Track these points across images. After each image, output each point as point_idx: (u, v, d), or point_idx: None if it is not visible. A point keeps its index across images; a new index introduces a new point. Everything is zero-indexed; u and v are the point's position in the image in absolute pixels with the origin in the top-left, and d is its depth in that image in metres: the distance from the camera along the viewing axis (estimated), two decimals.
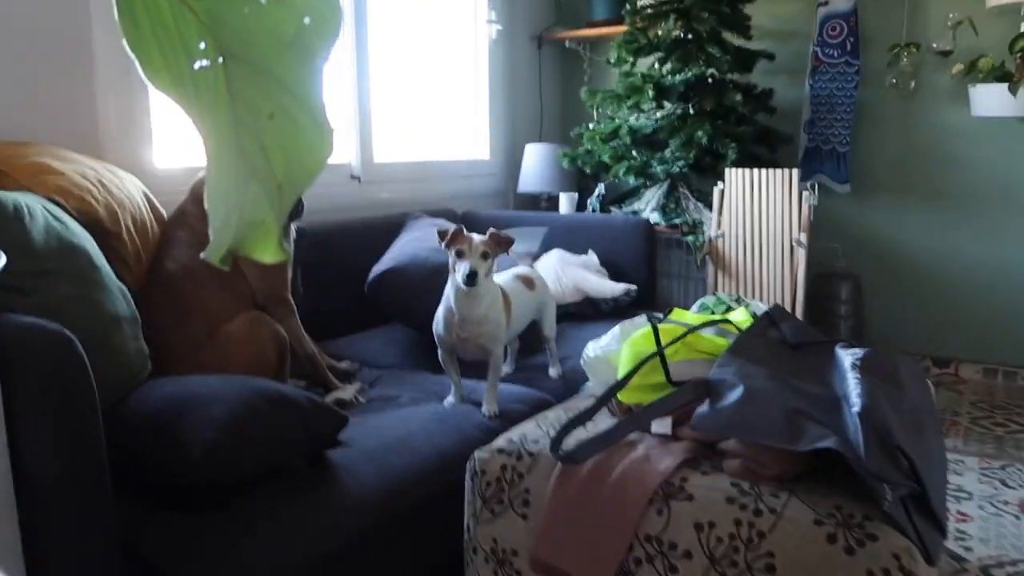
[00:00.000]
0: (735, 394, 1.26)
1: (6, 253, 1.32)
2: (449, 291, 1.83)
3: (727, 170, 2.90)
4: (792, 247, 2.74)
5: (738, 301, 1.97)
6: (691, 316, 1.61)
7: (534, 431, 1.45)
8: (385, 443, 1.57)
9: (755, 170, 2.84)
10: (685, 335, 1.46)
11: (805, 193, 2.72)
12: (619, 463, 1.29)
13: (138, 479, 1.37)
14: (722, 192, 2.90)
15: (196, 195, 1.92)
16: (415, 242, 2.50)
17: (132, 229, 1.77)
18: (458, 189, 3.35)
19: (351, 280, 2.43)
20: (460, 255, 1.74)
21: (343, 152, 2.84)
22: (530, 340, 2.29)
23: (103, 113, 2.02)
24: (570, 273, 2.72)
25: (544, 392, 1.98)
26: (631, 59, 3.20)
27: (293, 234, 2.04)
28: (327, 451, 1.50)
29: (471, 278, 1.71)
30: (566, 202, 3.36)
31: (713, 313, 1.63)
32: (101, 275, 1.46)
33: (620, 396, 1.46)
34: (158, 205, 1.94)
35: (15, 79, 1.83)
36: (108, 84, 2.01)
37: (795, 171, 2.76)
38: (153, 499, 1.36)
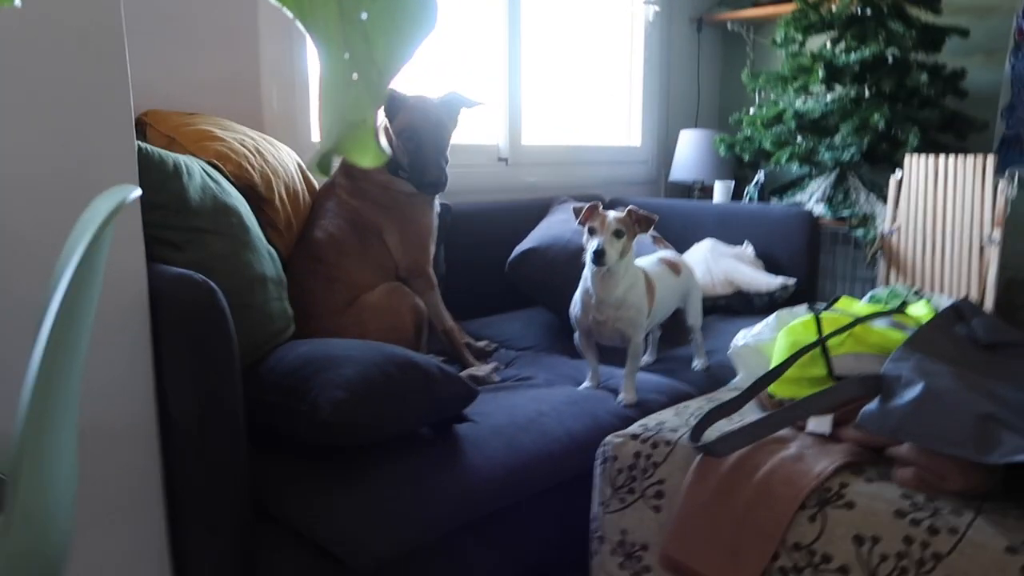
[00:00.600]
0: (912, 392, 1.09)
1: (165, 208, 1.37)
2: (586, 272, 1.74)
3: (907, 157, 2.61)
4: (981, 246, 2.43)
5: (917, 294, 1.75)
6: (860, 306, 1.43)
7: (673, 419, 1.33)
8: (515, 421, 1.51)
9: (940, 156, 2.54)
10: (853, 324, 1.29)
11: (1001, 184, 2.40)
12: (767, 460, 1.15)
13: (272, 435, 1.39)
14: (900, 181, 2.62)
15: (345, 168, 1.95)
16: (560, 224, 2.43)
17: (285, 197, 1.82)
18: (607, 175, 3.25)
19: (494, 261, 2.40)
20: (592, 232, 1.66)
21: (491, 133, 2.82)
22: (674, 331, 2.17)
23: (266, 89, 2.09)
24: (722, 264, 2.56)
25: (686, 384, 1.86)
26: (800, 37, 2.96)
27: (437, 208, 2.03)
28: (455, 424, 1.46)
29: (599, 256, 1.62)
30: (721, 191, 3.17)
31: (887, 305, 1.44)
32: (251, 236, 1.50)
33: (772, 388, 1.32)
34: (311, 177, 1.99)
35: (187, 54, 1.92)
36: (272, 61, 2.08)
37: (990, 157, 2.44)
38: (285, 456, 1.38)
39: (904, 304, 1.43)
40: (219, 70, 1.99)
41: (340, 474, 1.31)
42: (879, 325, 1.32)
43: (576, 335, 1.82)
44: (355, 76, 0.44)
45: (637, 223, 1.69)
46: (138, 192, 0.78)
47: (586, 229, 1.67)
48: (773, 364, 1.32)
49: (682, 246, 2.69)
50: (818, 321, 1.32)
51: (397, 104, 1.89)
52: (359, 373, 1.32)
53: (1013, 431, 1.01)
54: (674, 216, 2.86)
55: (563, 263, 2.24)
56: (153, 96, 1.83)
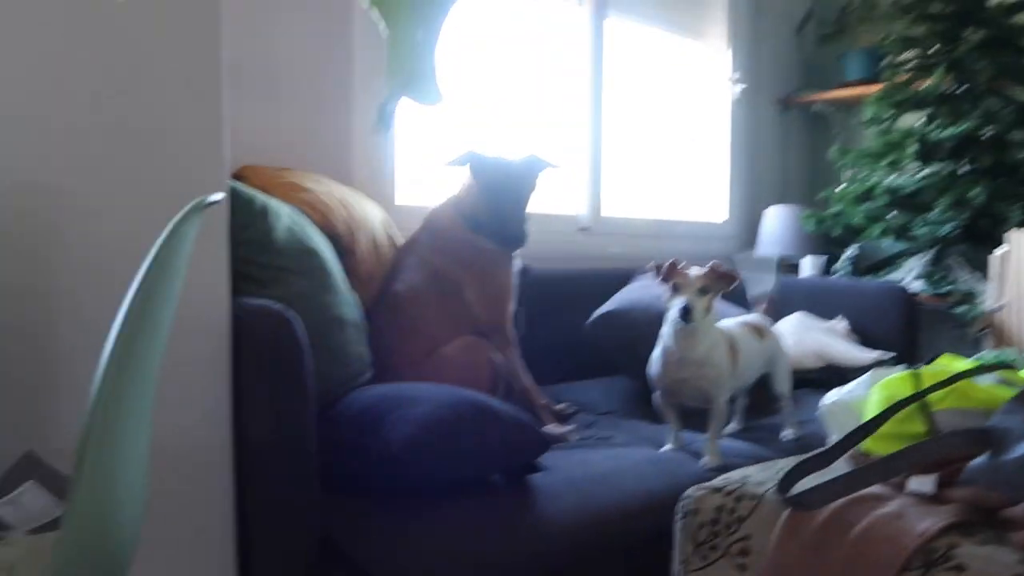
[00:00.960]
0: None
1: (250, 245, 1.42)
2: (666, 329, 1.70)
3: (1011, 232, 2.48)
4: None
5: None
6: (963, 364, 1.34)
7: (759, 474, 1.25)
8: (591, 474, 1.46)
9: None
10: (955, 379, 1.20)
11: None
12: (864, 516, 1.06)
13: (345, 476, 1.38)
14: (1003, 256, 2.48)
15: (428, 226, 1.99)
16: (640, 289, 2.40)
17: (368, 250, 1.86)
18: (690, 250, 3.19)
19: (573, 328, 2.37)
20: (676, 289, 1.63)
21: (572, 203, 2.84)
22: (762, 401, 2.08)
23: (357, 149, 2.18)
24: (812, 336, 2.46)
25: (775, 452, 1.75)
26: (890, 113, 2.91)
27: (518, 266, 2.04)
28: (528, 474, 1.42)
29: (686, 314, 1.59)
30: (811, 266, 3.08)
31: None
32: (332, 279, 1.54)
33: (867, 445, 1.22)
34: (394, 234, 2.04)
35: (283, 113, 2.03)
36: (363, 123, 2.18)
37: None
38: (356, 497, 1.36)
39: (1012, 365, 1.32)
40: (313, 130, 2.09)
41: (411, 516, 1.28)
42: (985, 382, 1.22)
43: (655, 395, 1.76)
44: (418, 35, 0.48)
45: (720, 280, 1.65)
46: (220, 196, 0.81)
47: (669, 286, 1.65)
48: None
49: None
50: (916, 376, 1.23)
51: (479, 164, 1.94)
52: (431, 412, 1.31)
53: None
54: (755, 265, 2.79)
55: (644, 326, 2.18)
56: (249, 152, 1.92)
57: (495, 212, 1.91)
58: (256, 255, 1.41)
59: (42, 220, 1.08)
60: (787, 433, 1.90)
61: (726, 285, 1.67)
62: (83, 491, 0.68)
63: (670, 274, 1.65)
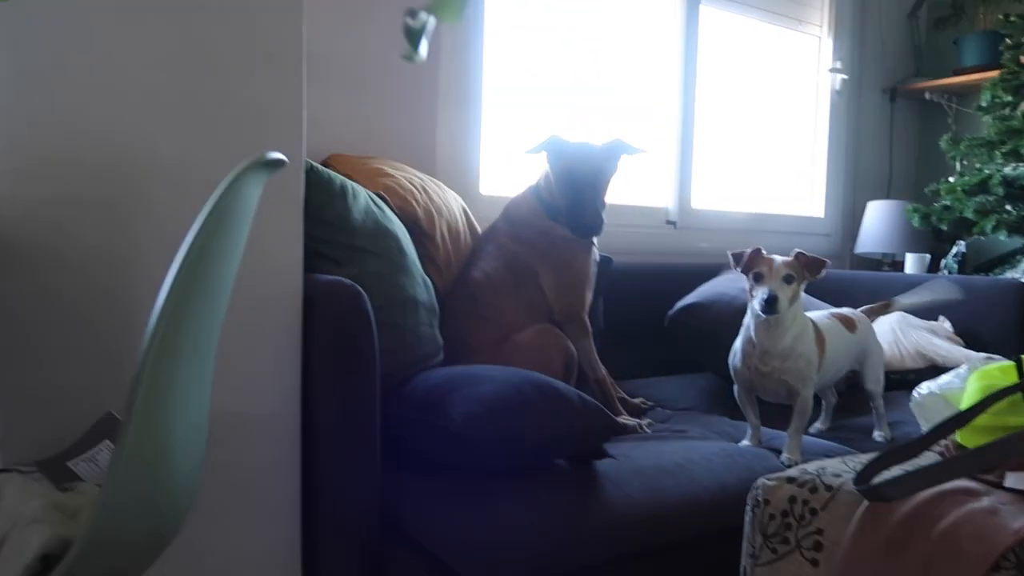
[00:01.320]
0: None
1: (329, 225, 1.46)
2: (748, 320, 1.63)
3: None
4: None
5: None
6: None
7: (837, 466, 1.18)
8: (661, 464, 1.41)
9: None
10: None
11: None
12: (951, 512, 0.98)
13: (410, 451, 1.39)
14: None
15: (507, 214, 1.99)
16: (725, 283, 2.32)
17: (446, 236, 1.88)
18: (785, 245, 3.03)
19: (655, 322, 2.32)
20: (758, 279, 1.55)
21: (660, 195, 2.78)
22: (853, 400, 1.96)
23: (441, 140, 2.21)
24: (912, 336, 2.31)
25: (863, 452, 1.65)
26: (1008, 99, 2.70)
27: (596, 256, 2.01)
28: (595, 460, 1.39)
29: (770, 305, 1.50)
30: (914, 264, 2.90)
31: None
32: (407, 261, 1.55)
33: (960, 437, 1.13)
34: (475, 222, 2.04)
35: (372, 105, 2.08)
36: (448, 115, 2.21)
37: None
38: (420, 474, 1.37)
39: None
40: (399, 121, 2.13)
41: (474, 495, 1.27)
42: None
43: (736, 388, 1.69)
44: None
45: (806, 268, 1.57)
46: (279, 155, 0.82)
47: (751, 275, 1.57)
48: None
49: None
50: (1020, 364, 1.13)
51: (559, 149, 1.91)
52: (495, 391, 1.30)
53: None
54: (860, 288, 2.64)
55: (727, 320, 2.10)
56: (338, 142, 1.98)
57: (571, 199, 1.87)
58: (333, 234, 1.44)
59: (127, 187, 1.13)
60: (879, 434, 1.78)
61: (813, 274, 1.58)
62: (131, 439, 0.70)
63: (752, 263, 1.57)
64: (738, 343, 1.67)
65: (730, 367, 1.69)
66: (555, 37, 2.53)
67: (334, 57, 2.00)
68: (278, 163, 0.83)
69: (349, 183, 1.52)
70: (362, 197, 1.53)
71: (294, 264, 1.26)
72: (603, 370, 1.94)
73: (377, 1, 2.06)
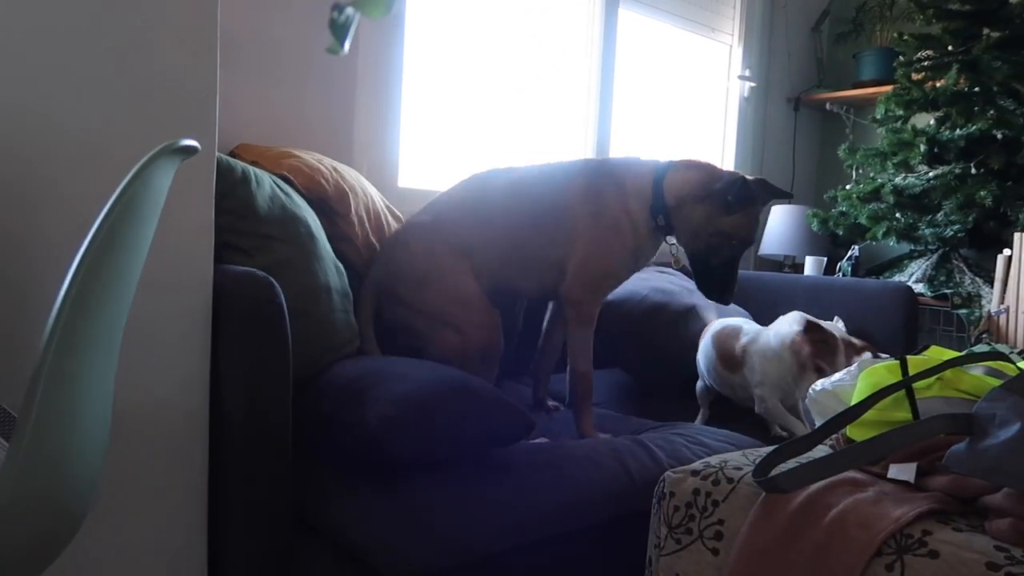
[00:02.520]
0: (1009, 431, 0.97)
1: (233, 214, 1.42)
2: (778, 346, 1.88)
3: (1017, 235, 2.45)
4: None
5: (1021, 354, 1.59)
6: (951, 354, 1.31)
7: (738, 459, 1.23)
8: (572, 455, 1.44)
9: None
10: (943, 367, 1.18)
11: None
12: (840, 501, 1.04)
13: (322, 444, 1.38)
14: (1009, 259, 2.45)
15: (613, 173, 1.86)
16: (638, 281, 2.38)
17: (364, 216, 1.82)
18: None
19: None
20: (819, 371, 1.75)
21: None
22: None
23: (359, 131, 2.17)
24: None
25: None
26: (901, 113, 2.88)
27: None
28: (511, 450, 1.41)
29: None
30: (812, 266, 3.05)
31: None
32: (318, 246, 1.53)
33: (850, 432, 1.20)
34: (395, 210, 2.02)
35: (284, 94, 2.02)
36: (366, 107, 2.18)
37: None
38: (328, 465, 1.36)
39: (1005, 356, 1.30)
40: (314, 111, 2.08)
41: (383, 482, 1.27)
42: (974, 371, 1.20)
43: (700, 384, 1.99)
44: None
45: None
46: (192, 142, 0.80)
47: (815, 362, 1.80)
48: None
49: (767, 319, 2.57)
50: (903, 363, 1.21)
51: (751, 198, 1.70)
52: (410, 391, 1.29)
53: None
54: (761, 289, 2.76)
55: (638, 318, 2.18)
56: (246, 132, 1.92)
57: (712, 262, 1.72)
58: (238, 223, 1.41)
59: (29, 170, 1.07)
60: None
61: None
62: (29, 436, 0.67)
63: (825, 352, 1.79)
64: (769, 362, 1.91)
65: (701, 364, 1.97)
66: (476, 34, 2.53)
67: (245, 42, 1.94)
68: (190, 150, 0.81)
69: (252, 169, 1.48)
70: (266, 183, 1.49)
71: (204, 255, 1.23)
72: (588, 364, 1.80)
73: None
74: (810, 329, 1.78)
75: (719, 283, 1.73)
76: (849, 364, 1.69)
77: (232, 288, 1.23)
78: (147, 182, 0.76)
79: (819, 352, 1.74)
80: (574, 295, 1.74)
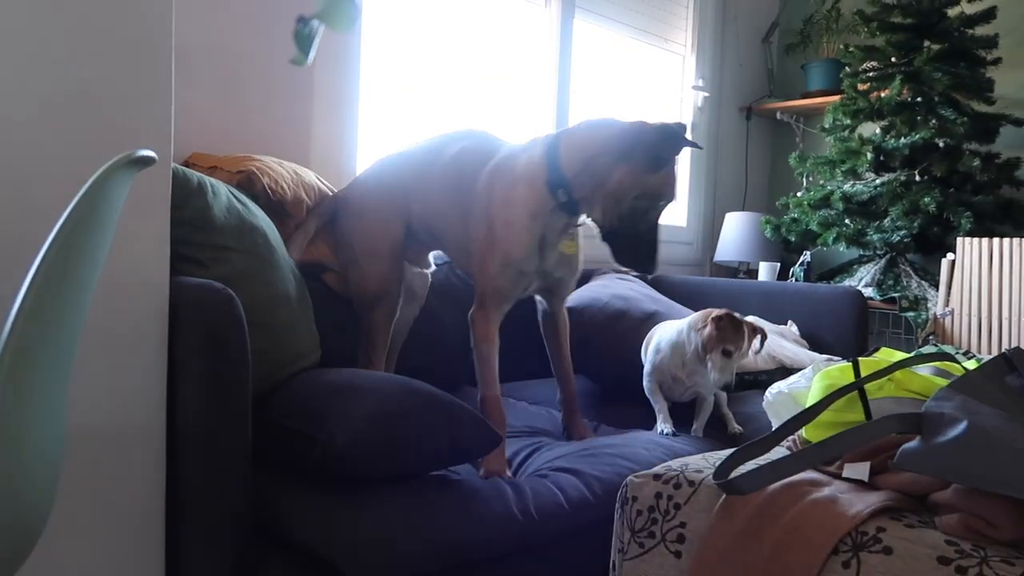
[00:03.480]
0: (956, 430, 1.00)
1: (189, 225, 1.40)
2: (686, 346, 1.83)
3: (960, 239, 2.54)
4: None
5: (966, 355, 1.65)
6: (902, 356, 1.35)
7: (698, 462, 1.25)
8: (537, 465, 1.45)
9: (995, 240, 2.46)
10: (893, 368, 1.21)
11: None
12: (798, 502, 1.07)
13: (283, 456, 1.36)
14: (952, 263, 2.53)
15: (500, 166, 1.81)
16: (598, 288, 2.41)
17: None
18: None
19: (529, 328, 2.36)
20: (726, 353, 1.74)
21: None
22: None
23: (316, 138, 2.16)
24: None
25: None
26: (848, 122, 2.96)
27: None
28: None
29: (726, 385, 1.79)
30: (766, 272, 3.12)
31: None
32: (276, 256, 1.51)
33: (806, 433, 1.24)
34: None
35: (239, 102, 2.01)
36: (323, 114, 2.16)
37: None
38: (290, 475, 1.34)
39: (951, 357, 1.34)
40: (270, 117, 2.06)
41: (348, 492, 1.26)
42: (923, 372, 1.24)
43: (648, 383, 1.91)
44: None
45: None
46: (149, 152, 0.79)
47: (720, 349, 1.76)
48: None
49: None
50: (856, 365, 1.24)
51: (678, 146, 1.50)
52: (378, 408, 1.29)
53: None
54: (717, 294, 2.81)
55: (599, 325, 2.20)
56: (202, 141, 1.89)
57: (637, 225, 1.53)
58: (195, 234, 1.38)
59: None
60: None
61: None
62: None
63: (722, 334, 1.75)
64: (666, 347, 1.87)
65: (649, 364, 1.90)
66: (434, 41, 2.54)
67: (199, 51, 1.92)
68: (147, 161, 0.79)
69: (208, 180, 1.46)
70: (223, 193, 1.48)
71: (160, 267, 1.20)
72: (489, 389, 1.63)
73: None
74: (714, 314, 1.80)
75: (646, 249, 1.53)
76: (750, 345, 1.76)
77: (189, 300, 1.21)
78: (103, 194, 0.74)
79: (722, 334, 1.74)
80: (472, 313, 1.63)
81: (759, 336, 1.81)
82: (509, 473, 1.49)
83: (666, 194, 1.51)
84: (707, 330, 1.76)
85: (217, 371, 1.20)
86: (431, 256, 1.99)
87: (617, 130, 1.49)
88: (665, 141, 1.45)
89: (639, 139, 1.46)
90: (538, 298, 1.83)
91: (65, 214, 0.70)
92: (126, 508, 1.18)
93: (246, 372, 1.21)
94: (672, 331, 1.89)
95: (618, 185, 1.47)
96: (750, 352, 1.82)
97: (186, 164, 1.74)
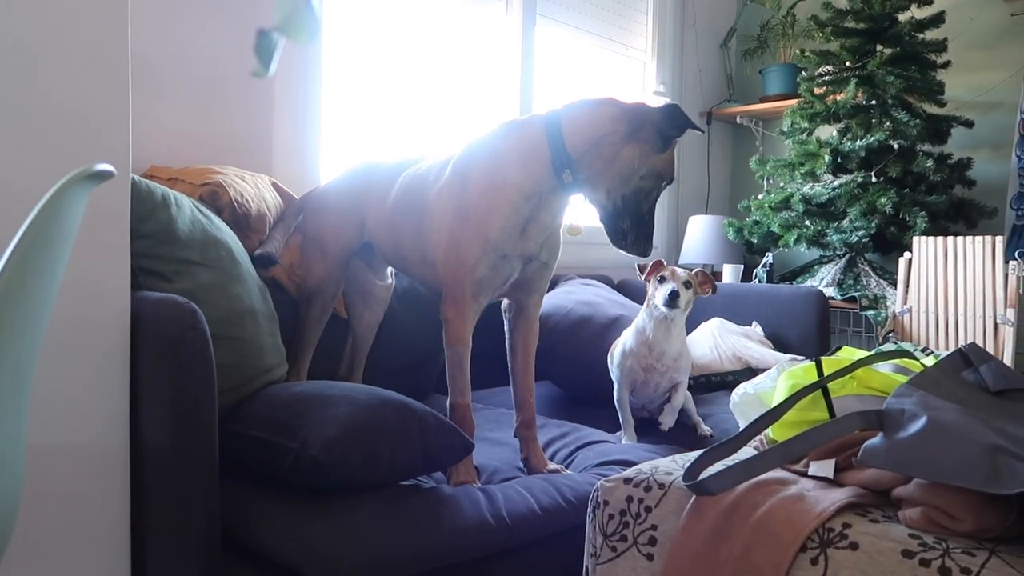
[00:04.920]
0: (917, 425, 1.03)
1: (152, 238, 1.38)
2: (644, 323, 1.82)
3: (916, 239, 2.60)
4: (996, 324, 2.37)
5: (924, 351, 1.69)
6: (864, 355, 1.38)
7: (668, 464, 1.27)
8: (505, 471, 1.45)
9: (949, 238, 2.52)
10: (855, 366, 1.24)
11: (1012, 263, 2.37)
12: (766, 501, 1.08)
13: (254, 468, 1.34)
14: (909, 262, 2.59)
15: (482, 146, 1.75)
16: (563, 294, 2.42)
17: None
18: (616, 258, 3.22)
19: (497, 334, 2.36)
20: (662, 280, 1.76)
21: None
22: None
23: (277, 149, 2.14)
24: (729, 341, 2.51)
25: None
26: (806, 125, 3.02)
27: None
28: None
29: (672, 299, 1.71)
30: (730, 274, 3.16)
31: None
32: (241, 270, 1.50)
33: (772, 432, 1.25)
34: None
35: (197, 114, 1.98)
36: (284, 123, 2.15)
37: (999, 239, 2.42)
38: (258, 485, 1.33)
39: (910, 354, 1.38)
40: (231, 132, 2.04)
41: (318, 501, 1.25)
42: (883, 369, 1.27)
43: (617, 390, 1.87)
44: None
45: (702, 284, 1.81)
46: (107, 167, 0.77)
47: (656, 278, 1.78)
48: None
49: (689, 326, 2.65)
50: (819, 364, 1.27)
51: (680, 127, 1.48)
52: (353, 415, 1.28)
53: None
54: None
55: (564, 331, 2.21)
56: (160, 154, 1.86)
57: (639, 208, 1.49)
58: (158, 248, 1.36)
59: None
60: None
61: (705, 291, 1.81)
62: None
63: (656, 269, 1.78)
64: (630, 344, 1.84)
65: (616, 368, 1.87)
66: (397, 45, 2.53)
67: (157, 63, 1.89)
68: (105, 175, 0.78)
69: (172, 193, 1.44)
70: (186, 206, 1.46)
71: (120, 282, 1.18)
72: (460, 397, 1.59)
73: (204, 5, 1.98)
74: (652, 269, 1.81)
75: (645, 230, 1.51)
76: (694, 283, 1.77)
77: (151, 315, 1.19)
78: (60, 210, 0.73)
79: (654, 270, 1.79)
80: (441, 309, 1.55)
81: (697, 273, 1.80)
82: (479, 482, 1.49)
83: (668, 174, 1.50)
84: (642, 278, 1.83)
85: (181, 386, 1.18)
86: (389, 269, 1.98)
87: (624, 110, 1.46)
88: (671, 120, 1.45)
89: (648, 118, 1.45)
90: (506, 304, 1.72)
91: (20, 232, 0.68)
92: (92, 527, 1.15)
93: (211, 387, 1.20)
94: (631, 326, 1.89)
95: (627, 164, 1.45)
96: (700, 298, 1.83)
97: (145, 177, 1.71)
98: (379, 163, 1.84)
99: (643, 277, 1.82)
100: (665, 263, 1.82)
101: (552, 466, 1.59)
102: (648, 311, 1.81)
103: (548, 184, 1.48)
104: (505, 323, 1.74)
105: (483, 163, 1.51)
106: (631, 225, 1.49)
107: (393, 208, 1.69)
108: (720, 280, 3.22)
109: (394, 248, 1.71)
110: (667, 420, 1.83)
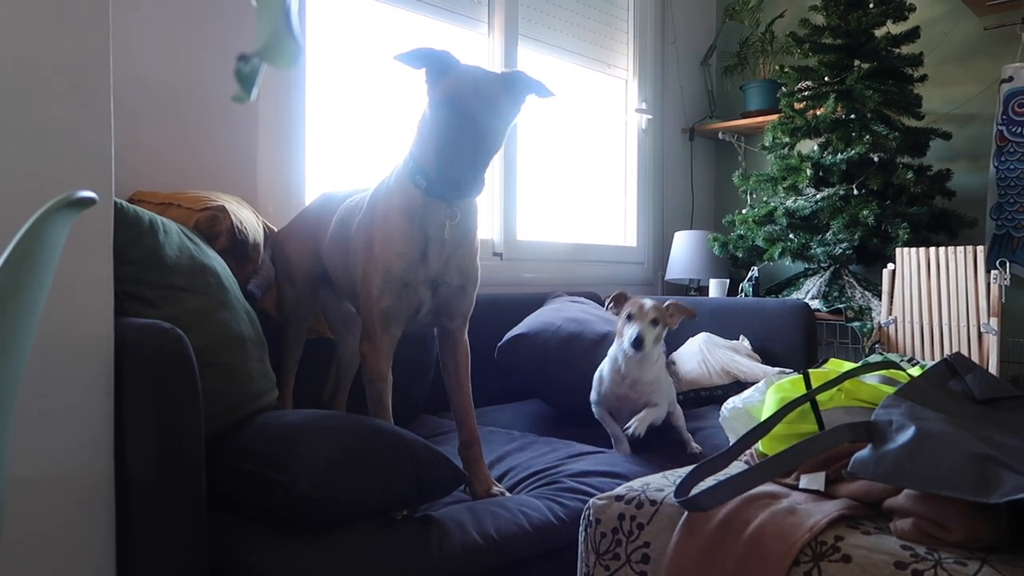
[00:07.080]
0: (905, 436, 1.03)
1: (139, 263, 1.37)
2: (617, 353, 1.81)
3: (899, 250, 2.62)
4: (980, 333, 2.39)
5: (910, 361, 1.70)
6: (850, 366, 1.39)
7: (659, 481, 1.26)
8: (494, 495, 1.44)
9: (932, 248, 2.55)
10: (842, 378, 1.24)
11: (994, 272, 2.39)
12: (757, 515, 1.08)
13: (242, 499, 1.33)
14: (893, 273, 2.61)
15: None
16: (551, 312, 2.42)
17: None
18: (603, 274, 3.27)
19: (487, 353, 2.36)
20: (630, 318, 1.74)
21: (486, 228, 2.85)
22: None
23: (262, 172, 2.14)
24: (717, 355, 2.51)
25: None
26: (786, 140, 3.05)
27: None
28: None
29: (638, 343, 1.69)
30: (716, 289, 3.17)
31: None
32: (229, 296, 1.49)
33: (762, 446, 1.25)
34: None
35: (181, 138, 1.98)
36: (268, 147, 2.15)
37: (980, 248, 2.45)
38: (253, 518, 1.31)
39: (896, 365, 1.38)
40: (215, 156, 2.04)
41: (307, 530, 1.24)
42: (870, 380, 1.27)
43: (597, 410, 1.88)
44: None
45: (671, 317, 1.78)
46: (90, 194, 0.77)
47: (624, 316, 1.76)
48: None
49: (676, 341, 2.66)
50: (806, 377, 1.27)
51: (443, 66, 1.48)
52: (344, 448, 1.27)
53: (1014, 472, 0.95)
54: None
55: (553, 349, 2.20)
56: (145, 179, 1.86)
57: (445, 137, 1.41)
58: (145, 273, 1.35)
59: None
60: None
61: (674, 323, 1.78)
62: None
63: (619, 303, 1.77)
64: (606, 372, 1.84)
65: (596, 392, 1.87)
66: (380, 69, 2.54)
67: (138, 88, 1.89)
68: (87, 202, 0.77)
69: (159, 219, 1.43)
70: (174, 232, 1.45)
71: (103, 309, 1.17)
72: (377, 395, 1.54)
73: (187, 31, 1.98)
74: (616, 303, 1.80)
75: (459, 164, 1.41)
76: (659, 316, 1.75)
77: (135, 341, 1.18)
78: (41, 238, 0.72)
79: (617, 306, 1.77)
80: (360, 346, 1.55)
81: (668, 307, 1.77)
82: (501, 487, 1.54)
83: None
84: (606, 311, 1.82)
85: (166, 414, 1.17)
86: None
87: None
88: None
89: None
90: (436, 331, 1.66)
91: (0, 262, 0.67)
92: (76, 560, 1.13)
93: (197, 414, 1.18)
94: (608, 355, 1.87)
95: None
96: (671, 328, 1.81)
97: (131, 202, 1.70)
98: (333, 193, 1.87)
99: (607, 310, 1.82)
100: (628, 296, 1.78)
101: (496, 488, 1.55)
102: (619, 344, 1.79)
103: (417, 197, 1.47)
104: (437, 346, 1.70)
105: (382, 194, 1.54)
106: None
107: (330, 240, 1.74)
108: (707, 295, 3.23)
109: (336, 278, 1.77)
110: (633, 425, 1.74)
